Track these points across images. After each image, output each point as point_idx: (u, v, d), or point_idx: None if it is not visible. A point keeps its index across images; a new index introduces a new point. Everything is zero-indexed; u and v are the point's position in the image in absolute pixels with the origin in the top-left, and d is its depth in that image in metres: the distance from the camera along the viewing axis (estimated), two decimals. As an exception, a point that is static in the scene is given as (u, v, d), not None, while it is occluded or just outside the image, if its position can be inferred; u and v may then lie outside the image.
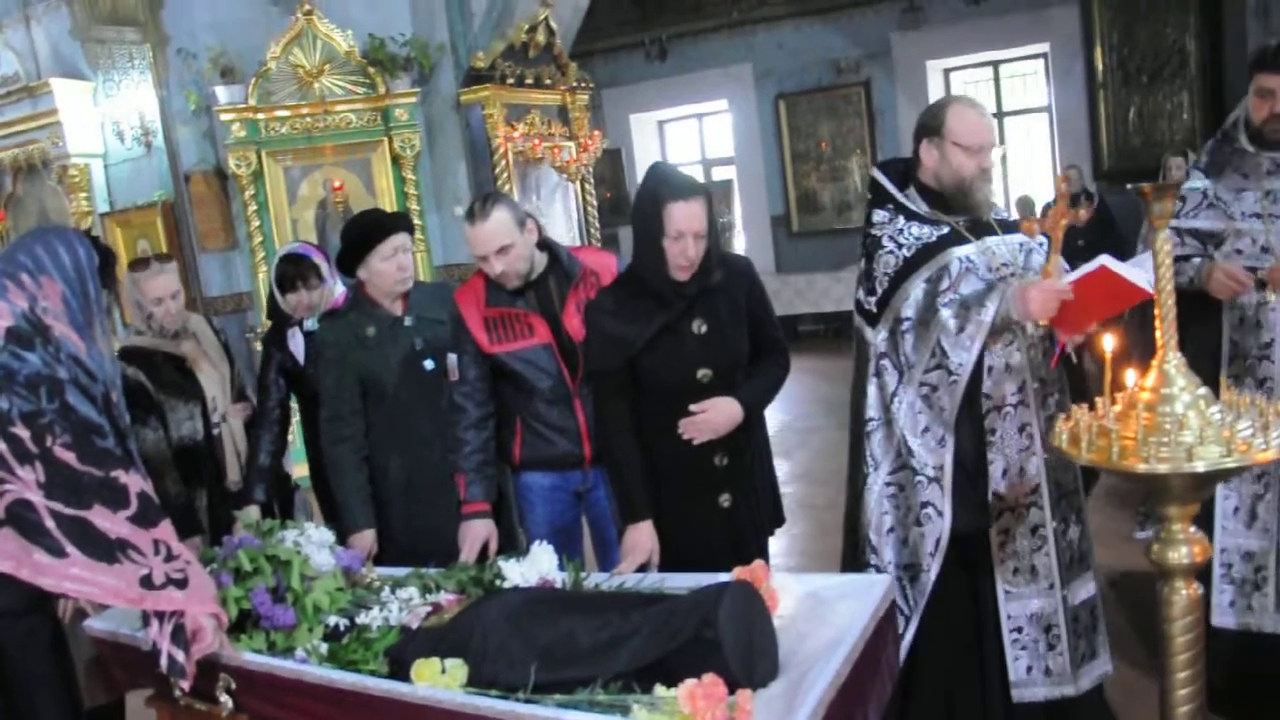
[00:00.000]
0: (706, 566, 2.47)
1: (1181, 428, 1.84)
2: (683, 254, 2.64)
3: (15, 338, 2.17)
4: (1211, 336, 3.11)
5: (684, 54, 12.57)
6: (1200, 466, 1.80)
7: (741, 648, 2.03)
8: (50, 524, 2.10)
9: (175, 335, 3.51)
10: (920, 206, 2.75)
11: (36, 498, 2.10)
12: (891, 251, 2.70)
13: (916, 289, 2.64)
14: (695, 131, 13.56)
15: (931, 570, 2.65)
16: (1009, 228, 2.80)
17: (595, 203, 8.23)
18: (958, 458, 2.63)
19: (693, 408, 2.74)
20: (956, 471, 2.63)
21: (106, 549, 2.15)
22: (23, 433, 2.10)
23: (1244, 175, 3.07)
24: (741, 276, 2.86)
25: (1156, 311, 1.94)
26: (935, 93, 11.85)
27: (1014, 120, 12.11)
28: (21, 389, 2.12)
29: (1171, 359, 1.92)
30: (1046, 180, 11.04)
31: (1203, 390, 1.92)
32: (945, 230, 2.70)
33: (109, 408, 2.27)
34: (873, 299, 2.72)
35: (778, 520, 3.07)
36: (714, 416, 2.74)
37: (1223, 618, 3.12)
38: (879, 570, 2.71)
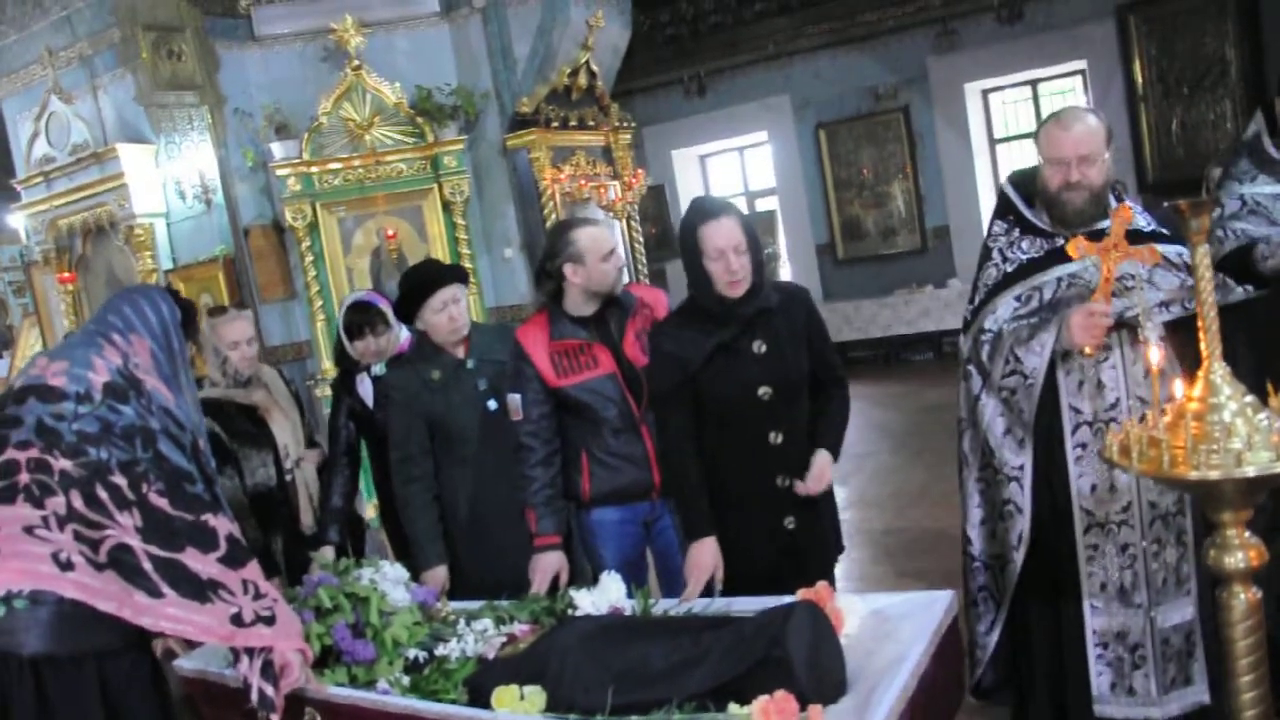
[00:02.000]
0: (772, 588, 2.53)
1: (1230, 435, 1.88)
2: (725, 270, 2.74)
3: (112, 392, 2.31)
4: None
5: (722, 88, 12.71)
6: (1250, 471, 1.84)
7: (810, 666, 2.09)
8: (148, 566, 2.22)
9: (247, 383, 3.66)
10: (1042, 219, 2.80)
11: (135, 542, 2.22)
12: (996, 264, 2.81)
13: (1006, 306, 2.74)
14: (737, 164, 13.67)
15: (1016, 562, 2.78)
16: (1138, 238, 2.72)
17: (642, 239, 8.35)
18: (1036, 461, 2.73)
19: (800, 488, 2.84)
20: (1035, 473, 2.74)
21: (199, 589, 2.26)
22: (120, 481, 2.24)
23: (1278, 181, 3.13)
24: (799, 302, 2.96)
25: (1200, 324, 1.99)
26: (974, 115, 11.87)
27: (1055, 138, 12.07)
28: (119, 440, 2.26)
29: (1217, 369, 1.96)
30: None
31: (1249, 398, 1.96)
32: (1058, 244, 2.72)
33: (197, 455, 2.40)
34: (969, 307, 2.85)
35: (837, 547, 3.13)
36: (823, 476, 2.89)
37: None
38: (974, 559, 2.89)
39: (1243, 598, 1.99)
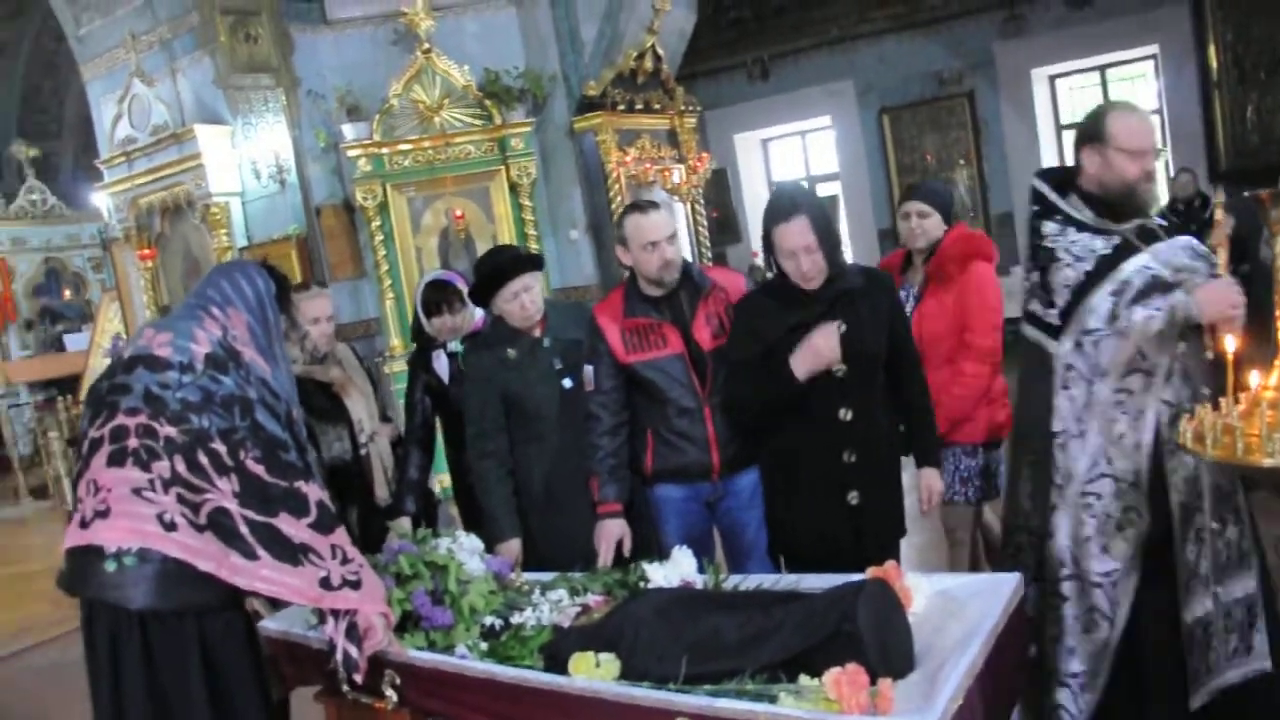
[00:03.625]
0: (835, 562, 2.58)
1: (1306, 423, 1.90)
2: (797, 270, 2.84)
3: (213, 363, 2.42)
4: None
5: (785, 72, 12.67)
6: (1326, 460, 1.87)
7: (879, 641, 2.14)
8: (244, 529, 2.33)
9: (323, 359, 3.77)
10: (1086, 215, 2.76)
11: (233, 506, 2.33)
12: (1070, 265, 2.72)
13: (1103, 302, 2.65)
14: (799, 149, 13.63)
15: (1134, 573, 2.68)
16: (1173, 231, 2.78)
17: (705, 222, 8.39)
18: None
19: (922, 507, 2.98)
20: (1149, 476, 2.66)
21: (291, 553, 2.37)
22: (220, 447, 2.35)
23: None
24: (885, 289, 3.05)
25: (1278, 314, 2.01)
26: (1041, 101, 11.71)
27: (1125, 124, 11.88)
28: (219, 409, 2.37)
29: (1294, 358, 1.99)
30: (1159, 183, 10.80)
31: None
32: (1117, 240, 2.70)
33: (290, 424, 2.51)
34: (1053, 311, 2.73)
35: (900, 528, 3.17)
36: (932, 497, 3.11)
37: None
38: (1079, 580, 2.72)
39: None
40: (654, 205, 3.17)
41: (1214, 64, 10.34)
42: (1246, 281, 2.60)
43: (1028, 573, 2.70)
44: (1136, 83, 11.78)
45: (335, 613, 2.42)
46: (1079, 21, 10.99)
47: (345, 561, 2.44)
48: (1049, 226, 2.80)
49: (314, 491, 2.44)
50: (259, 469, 2.37)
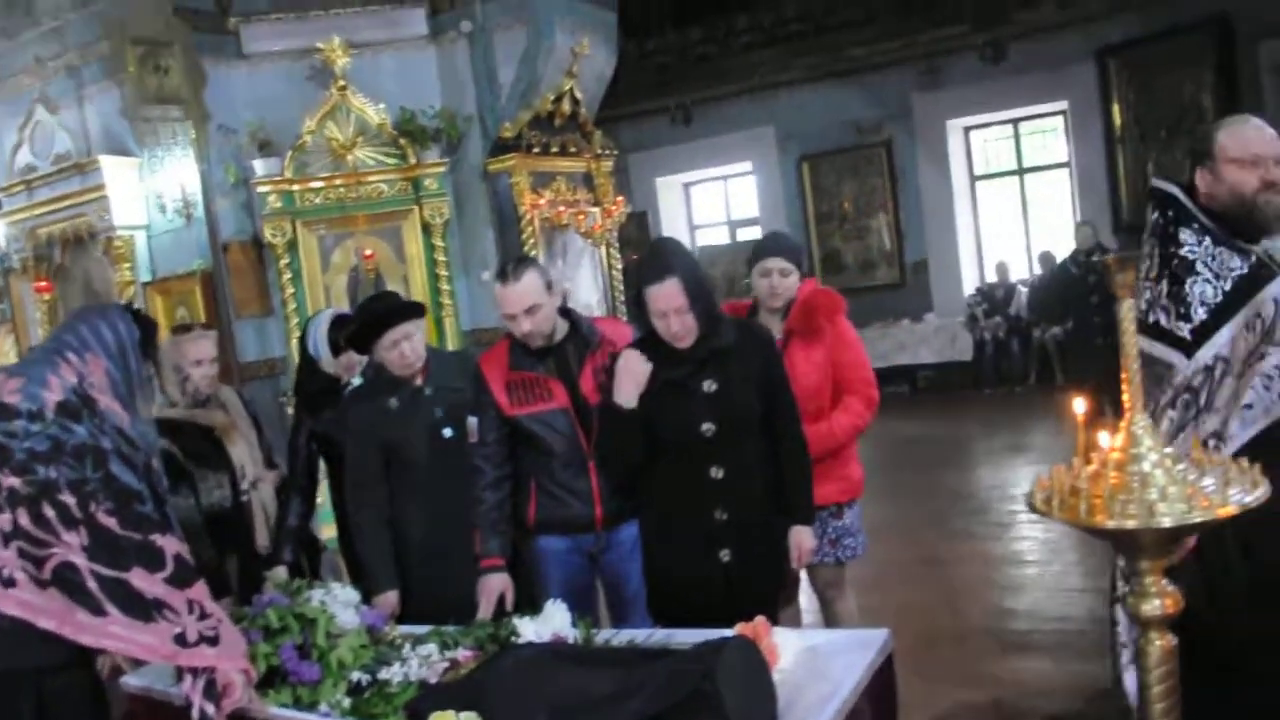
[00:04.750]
0: (709, 620, 2.57)
1: (1147, 486, 1.93)
2: (666, 330, 2.87)
3: (65, 411, 2.34)
4: None
5: (708, 118, 12.84)
6: (1166, 522, 1.90)
7: (740, 701, 2.13)
8: (92, 585, 2.25)
9: (205, 402, 3.69)
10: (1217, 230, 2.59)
11: (80, 560, 2.25)
12: (1209, 281, 2.56)
13: (1235, 328, 2.51)
14: (720, 193, 13.80)
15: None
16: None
17: (621, 266, 8.41)
18: None
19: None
20: None
21: (144, 608, 2.29)
22: (69, 499, 2.27)
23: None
24: (760, 345, 3.04)
25: (1124, 375, 2.05)
26: (955, 151, 12.02)
27: (1035, 176, 12.24)
28: (69, 459, 2.29)
29: (1139, 420, 2.02)
30: (1068, 234, 11.10)
31: (1170, 449, 2.02)
32: (1253, 260, 2.55)
33: (149, 474, 2.43)
34: (1186, 326, 2.58)
35: (784, 579, 3.18)
36: (801, 556, 3.06)
37: None
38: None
39: (1159, 644, 2.04)
40: (522, 270, 3.06)
41: (1118, 121, 10.72)
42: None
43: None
44: (1048, 136, 12.16)
45: (193, 670, 2.35)
46: (994, 76, 11.33)
47: (203, 617, 2.37)
48: (1186, 234, 2.62)
49: (171, 544, 2.37)
50: (110, 521, 2.29)
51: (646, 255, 2.96)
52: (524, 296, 3.04)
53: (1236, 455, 2.22)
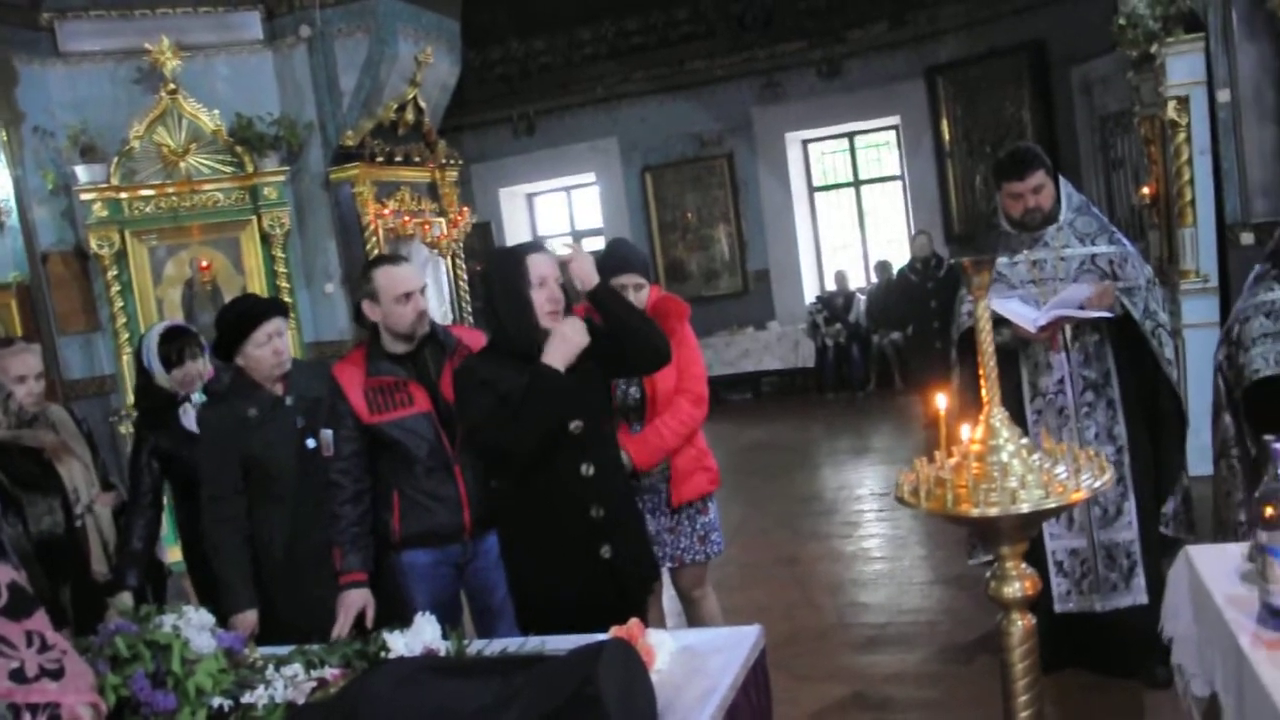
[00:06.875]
0: (595, 618, 2.55)
1: (1007, 475, 2.03)
2: (549, 299, 2.81)
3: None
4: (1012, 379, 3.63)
5: (551, 129, 12.85)
6: (1025, 508, 2.00)
7: (622, 703, 2.12)
8: (-82, 620, 2.07)
9: (32, 421, 3.44)
10: None
11: (-98, 594, 2.07)
12: None
13: None
14: (564, 204, 13.81)
15: None
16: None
17: (466, 276, 8.32)
18: None
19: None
20: None
21: (-25, 644, 2.12)
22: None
23: (1012, 251, 3.62)
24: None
25: (981, 371, 2.15)
26: (794, 163, 12.39)
27: (870, 188, 12.73)
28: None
29: (996, 414, 2.13)
30: (902, 244, 11.60)
31: (1025, 440, 2.13)
32: None
33: (-21, 499, 2.26)
34: None
35: (653, 574, 3.18)
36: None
37: (1062, 605, 3.65)
38: None
39: (1020, 624, 2.15)
40: (403, 258, 3.11)
41: (946, 136, 11.27)
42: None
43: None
44: (881, 150, 12.66)
45: (32, 707, 2.18)
46: (830, 91, 11.74)
47: (44, 649, 2.20)
48: None
49: (4, 573, 2.19)
50: (-63, 550, 2.11)
51: (504, 249, 3.03)
52: (417, 275, 3.09)
53: None
